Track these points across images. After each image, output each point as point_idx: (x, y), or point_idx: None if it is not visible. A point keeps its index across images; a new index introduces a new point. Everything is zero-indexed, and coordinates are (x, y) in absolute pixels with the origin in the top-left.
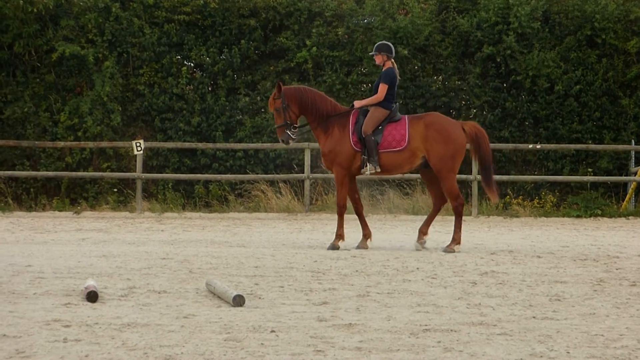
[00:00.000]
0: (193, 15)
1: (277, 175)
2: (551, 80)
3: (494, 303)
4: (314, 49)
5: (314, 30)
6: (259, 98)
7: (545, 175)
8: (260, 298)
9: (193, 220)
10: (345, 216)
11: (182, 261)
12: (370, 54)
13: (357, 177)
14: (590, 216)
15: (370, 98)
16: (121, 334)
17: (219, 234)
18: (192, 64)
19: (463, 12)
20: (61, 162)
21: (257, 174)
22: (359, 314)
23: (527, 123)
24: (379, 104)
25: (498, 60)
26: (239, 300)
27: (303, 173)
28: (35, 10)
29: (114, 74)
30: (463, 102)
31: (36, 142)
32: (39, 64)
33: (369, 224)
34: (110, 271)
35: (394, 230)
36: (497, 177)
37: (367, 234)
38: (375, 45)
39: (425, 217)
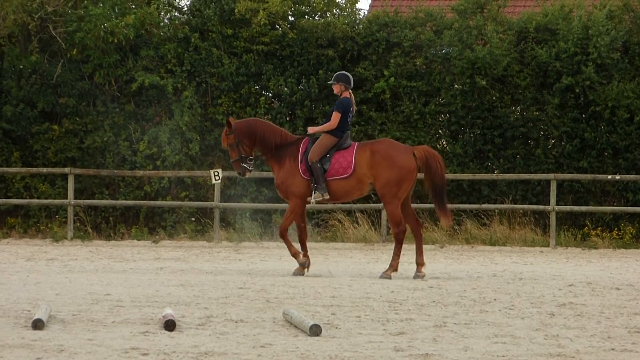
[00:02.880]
0: (271, 45)
1: (354, 205)
2: (631, 111)
3: (572, 335)
4: (392, 79)
5: (392, 61)
6: None
7: (624, 206)
8: (337, 328)
9: (270, 250)
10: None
11: (259, 290)
12: (328, 82)
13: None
14: None
15: (323, 125)
16: None
17: (296, 264)
18: (270, 94)
19: (542, 43)
20: (140, 191)
21: (334, 203)
22: (436, 344)
23: (606, 154)
24: (329, 132)
25: (577, 90)
26: (315, 330)
27: (380, 203)
28: (115, 40)
29: (192, 103)
30: (541, 133)
31: (115, 171)
32: (118, 94)
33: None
34: (187, 300)
35: (471, 260)
36: (575, 207)
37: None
38: (335, 74)
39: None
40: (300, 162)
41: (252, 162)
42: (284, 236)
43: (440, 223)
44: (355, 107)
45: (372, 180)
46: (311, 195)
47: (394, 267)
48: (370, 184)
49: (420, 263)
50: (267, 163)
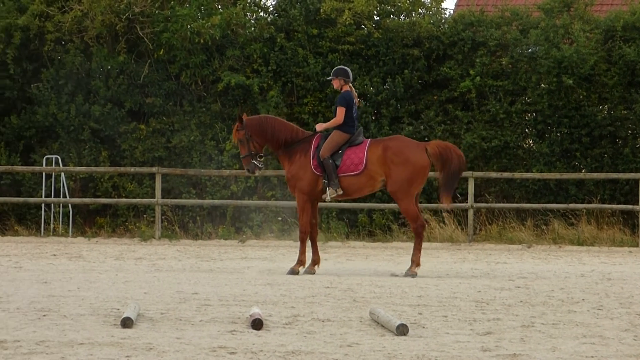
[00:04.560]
0: (357, 45)
1: (444, 205)
2: None
3: None
4: (478, 78)
5: (477, 60)
6: (422, 127)
7: None
8: (423, 327)
9: (356, 249)
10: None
11: (345, 290)
12: (327, 78)
13: (325, 202)
14: None
15: (330, 121)
16: None
17: (383, 263)
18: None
19: (629, 41)
20: (226, 190)
21: (420, 203)
22: (524, 344)
23: None
24: (338, 128)
25: None
26: (402, 329)
27: (467, 202)
28: (202, 40)
29: (278, 103)
30: (629, 132)
31: (202, 171)
32: (205, 94)
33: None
34: (274, 299)
35: (558, 260)
36: None
37: (316, 260)
38: (333, 69)
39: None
40: (313, 158)
41: (261, 159)
42: (303, 240)
43: (441, 201)
44: (357, 100)
45: (384, 177)
46: (325, 193)
47: (416, 262)
48: (382, 181)
49: (415, 262)
50: (278, 158)
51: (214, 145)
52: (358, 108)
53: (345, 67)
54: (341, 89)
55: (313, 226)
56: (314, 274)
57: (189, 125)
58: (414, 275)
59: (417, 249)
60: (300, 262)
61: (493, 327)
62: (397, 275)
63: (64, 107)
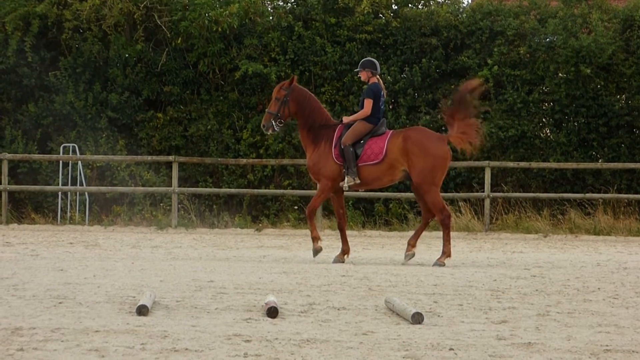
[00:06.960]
0: (375, 34)
1: (457, 194)
2: None
3: None
4: (495, 67)
5: (495, 49)
6: (439, 116)
7: None
8: (439, 316)
9: (373, 239)
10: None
11: (361, 278)
12: (355, 70)
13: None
14: None
15: (357, 113)
16: (300, 350)
17: (399, 252)
18: None
19: None
20: (243, 179)
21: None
22: (539, 333)
23: None
24: (363, 118)
25: None
26: (417, 318)
27: (483, 192)
28: (219, 29)
29: None
30: None
31: (219, 159)
32: (222, 82)
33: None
34: (290, 287)
35: (574, 250)
36: None
37: (345, 250)
38: (360, 62)
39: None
40: (334, 147)
41: (281, 125)
42: (310, 217)
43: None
44: (385, 92)
45: (406, 167)
46: (343, 180)
47: (447, 253)
48: (402, 171)
49: (411, 244)
50: (302, 140)
51: (231, 134)
52: (385, 101)
53: (373, 59)
54: (368, 80)
55: (341, 216)
56: (343, 262)
57: (206, 113)
58: (442, 265)
59: (447, 240)
60: (315, 238)
61: (508, 316)
62: (431, 265)
63: (81, 95)
